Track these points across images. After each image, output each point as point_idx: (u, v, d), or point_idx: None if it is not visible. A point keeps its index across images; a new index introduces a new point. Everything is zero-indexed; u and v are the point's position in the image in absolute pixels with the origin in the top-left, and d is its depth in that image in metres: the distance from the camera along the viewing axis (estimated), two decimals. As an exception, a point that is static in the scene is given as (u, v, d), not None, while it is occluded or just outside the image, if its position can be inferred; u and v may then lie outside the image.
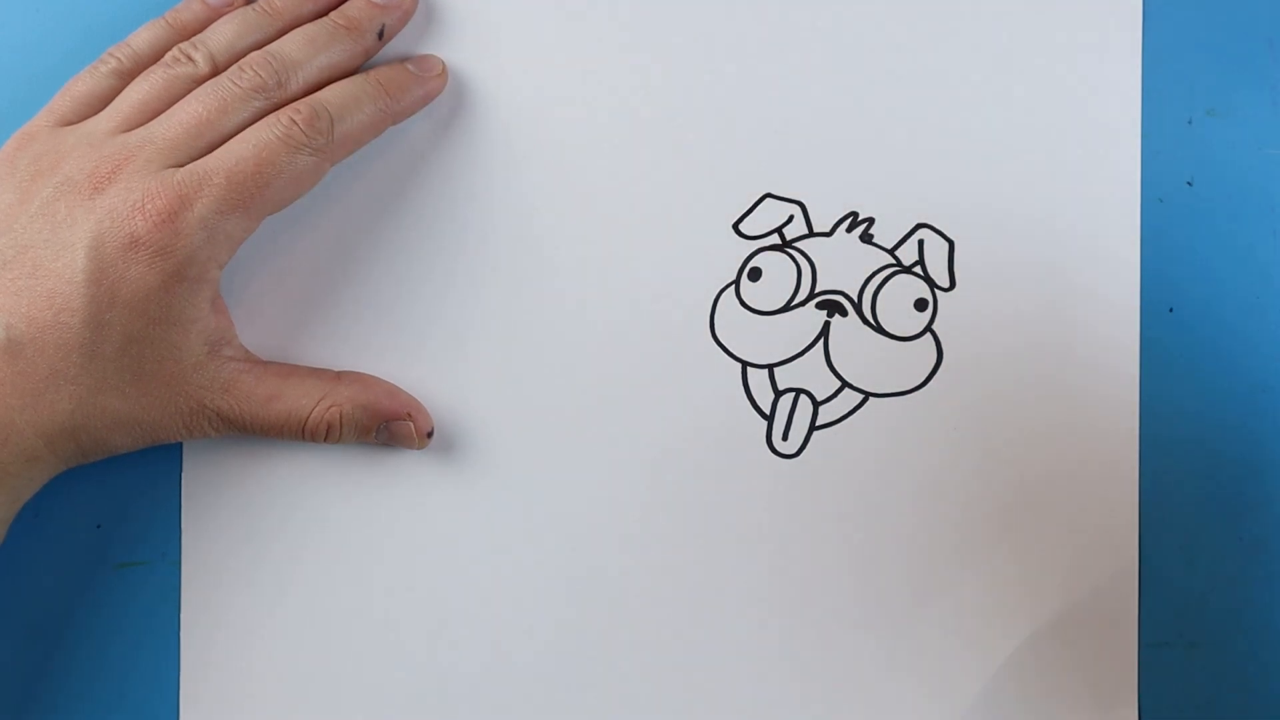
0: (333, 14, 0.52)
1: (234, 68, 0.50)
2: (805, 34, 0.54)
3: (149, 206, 0.47)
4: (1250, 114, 0.54)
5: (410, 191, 0.53)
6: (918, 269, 0.53)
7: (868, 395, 0.53)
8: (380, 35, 0.52)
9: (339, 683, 0.53)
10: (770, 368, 0.53)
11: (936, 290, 0.53)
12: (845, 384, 0.53)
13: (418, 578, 0.53)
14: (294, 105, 0.49)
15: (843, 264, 0.53)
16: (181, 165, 0.48)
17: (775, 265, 0.53)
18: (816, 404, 0.53)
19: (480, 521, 0.53)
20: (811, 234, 0.53)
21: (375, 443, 0.52)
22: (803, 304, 0.53)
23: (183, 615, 0.53)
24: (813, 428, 0.53)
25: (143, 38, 0.52)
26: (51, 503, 0.52)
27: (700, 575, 0.53)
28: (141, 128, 0.49)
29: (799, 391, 0.53)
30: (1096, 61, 0.53)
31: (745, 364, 0.53)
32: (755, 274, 0.53)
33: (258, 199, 0.48)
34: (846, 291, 0.53)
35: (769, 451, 0.53)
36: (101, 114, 0.50)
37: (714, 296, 0.53)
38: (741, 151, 0.53)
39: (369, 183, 0.53)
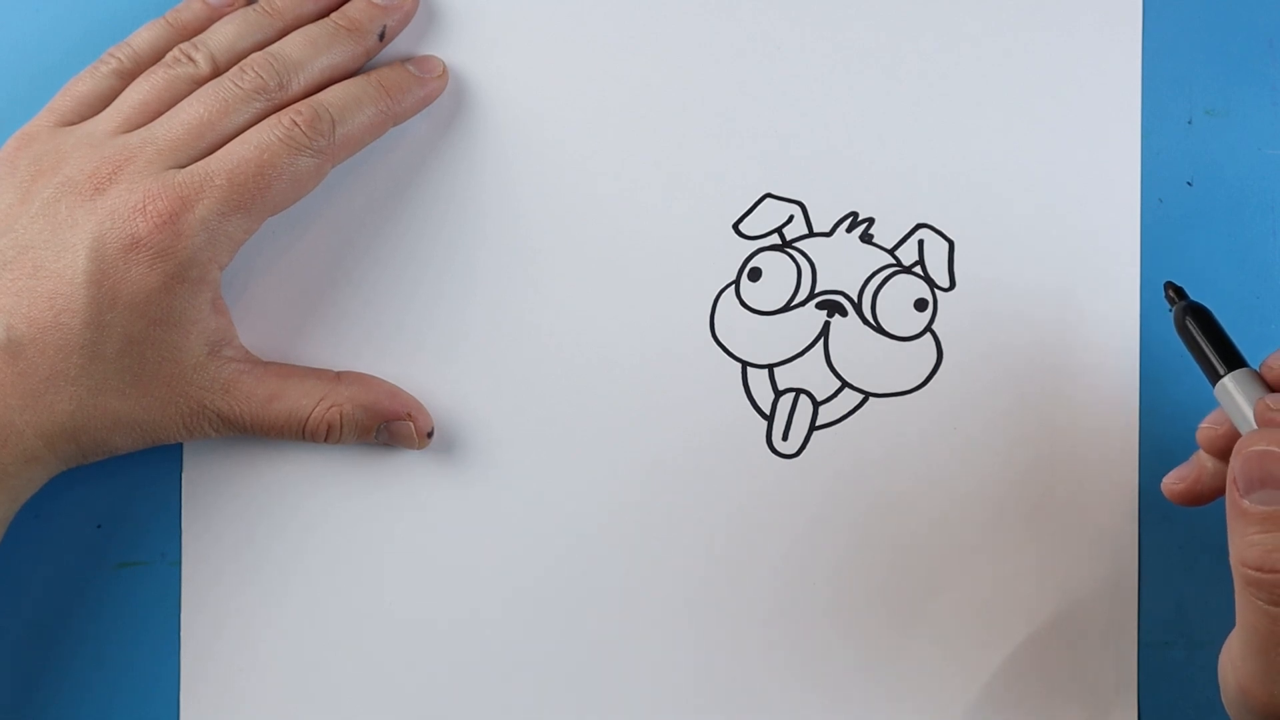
0: (334, 15, 0.52)
1: (235, 69, 0.50)
2: (805, 34, 0.54)
3: (150, 208, 0.47)
4: (1250, 114, 0.54)
5: (411, 192, 0.53)
6: (918, 269, 0.53)
7: (868, 395, 0.53)
8: (381, 36, 0.52)
9: (339, 682, 0.53)
10: (770, 368, 0.53)
11: (936, 290, 0.53)
12: (845, 384, 0.53)
13: (417, 577, 0.53)
14: (295, 107, 0.49)
15: (843, 264, 0.53)
16: (183, 166, 0.48)
17: (775, 265, 0.53)
18: (816, 404, 0.53)
19: (480, 521, 0.53)
20: (811, 234, 0.53)
21: (375, 443, 0.52)
22: (803, 304, 0.53)
23: (183, 615, 0.53)
24: (813, 428, 0.53)
25: (143, 38, 0.52)
26: (51, 503, 0.52)
27: (700, 575, 0.53)
28: (143, 128, 0.49)
29: (799, 391, 0.53)
30: (1096, 61, 0.53)
31: (745, 364, 0.53)
32: (755, 274, 0.53)
33: (259, 200, 0.48)
34: (846, 291, 0.53)
35: (769, 451, 0.53)
36: (102, 114, 0.50)
37: (714, 296, 0.53)
38: (741, 151, 0.53)
39: (370, 184, 0.53)
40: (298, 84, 0.50)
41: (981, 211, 0.53)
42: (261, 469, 0.53)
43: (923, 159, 0.53)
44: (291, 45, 0.51)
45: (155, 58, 0.51)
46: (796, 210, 0.53)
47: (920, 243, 0.53)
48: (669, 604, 0.53)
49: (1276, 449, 0.41)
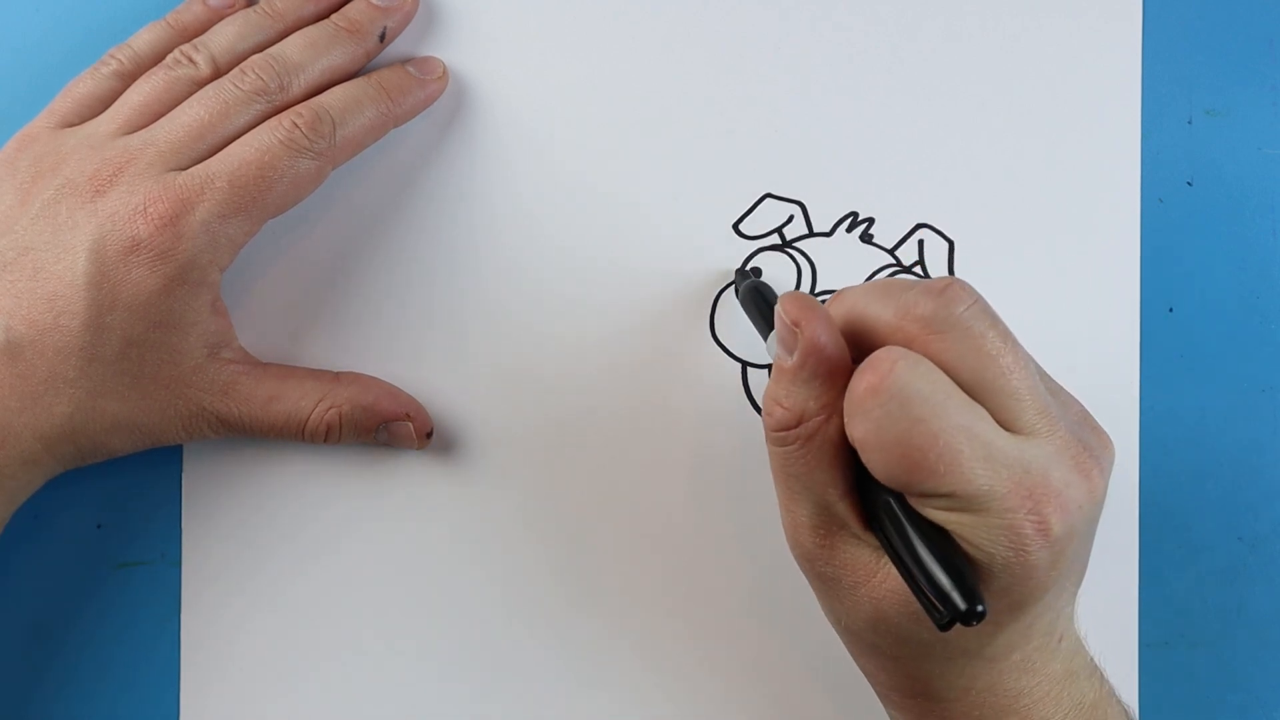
0: (334, 16, 0.52)
1: (236, 70, 0.50)
2: (805, 34, 0.54)
3: (151, 210, 0.47)
4: (1250, 114, 0.54)
5: (411, 193, 0.53)
6: (918, 269, 0.53)
7: (868, 395, 0.53)
8: (381, 37, 0.52)
9: (338, 682, 0.53)
10: (770, 368, 0.53)
11: (936, 290, 0.53)
12: (845, 384, 0.53)
13: (417, 577, 0.53)
14: (296, 109, 0.49)
15: (843, 264, 0.53)
16: (183, 168, 0.48)
17: (775, 265, 0.53)
18: (817, 404, 0.53)
19: (479, 521, 0.53)
20: (811, 234, 0.53)
21: (375, 443, 0.52)
22: (803, 304, 0.53)
23: (183, 615, 0.53)
24: (813, 428, 0.53)
25: (144, 39, 0.52)
26: (51, 503, 0.52)
27: (701, 575, 0.53)
28: (143, 130, 0.49)
29: (799, 391, 0.53)
30: (1096, 61, 0.53)
31: (745, 364, 0.53)
32: (756, 274, 0.53)
33: (259, 202, 0.48)
34: (846, 291, 0.53)
35: (769, 451, 0.53)
36: (103, 116, 0.50)
37: (714, 296, 0.53)
38: (741, 151, 0.53)
39: (370, 185, 0.53)
40: (298, 86, 0.50)
41: (981, 211, 0.53)
42: (261, 469, 0.53)
43: (923, 159, 0.53)
44: (292, 47, 0.50)
45: (156, 59, 0.51)
46: (796, 210, 0.53)
47: (920, 243, 0.53)
48: (668, 603, 0.53)
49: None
